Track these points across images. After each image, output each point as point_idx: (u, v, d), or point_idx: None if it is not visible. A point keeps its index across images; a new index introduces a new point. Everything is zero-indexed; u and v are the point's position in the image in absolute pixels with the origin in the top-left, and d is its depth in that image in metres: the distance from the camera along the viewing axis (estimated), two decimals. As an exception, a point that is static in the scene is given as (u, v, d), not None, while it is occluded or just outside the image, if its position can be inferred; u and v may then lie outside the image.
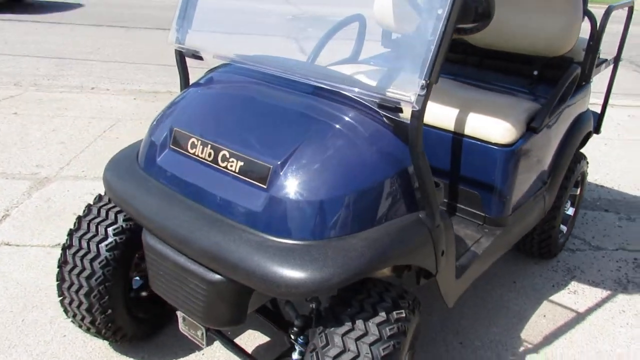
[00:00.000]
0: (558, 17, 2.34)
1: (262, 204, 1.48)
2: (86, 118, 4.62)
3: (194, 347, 2.18)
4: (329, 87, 1.58)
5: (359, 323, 1.45)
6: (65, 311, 1.99)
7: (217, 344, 2.18)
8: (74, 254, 1.89)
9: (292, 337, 1.70)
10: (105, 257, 1.87)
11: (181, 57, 2.02)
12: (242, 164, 1.55)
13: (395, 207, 1.55)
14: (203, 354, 2.16)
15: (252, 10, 2.25)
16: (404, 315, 1.50)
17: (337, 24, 2.79)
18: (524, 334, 2.37)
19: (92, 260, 1.87)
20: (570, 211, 2.95)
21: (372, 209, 1.50)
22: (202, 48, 1.94)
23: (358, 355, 1.40)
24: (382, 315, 1.47)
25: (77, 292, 1.89)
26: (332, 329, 1.46)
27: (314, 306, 1.67)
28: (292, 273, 1.36)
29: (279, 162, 1.49)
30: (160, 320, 2.22)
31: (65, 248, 1.92)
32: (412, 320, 1.55)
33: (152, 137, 1.82)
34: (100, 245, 1.87)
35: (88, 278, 1.86)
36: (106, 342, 2.17)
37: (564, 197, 2.63)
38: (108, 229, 1.90)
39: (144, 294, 2.08)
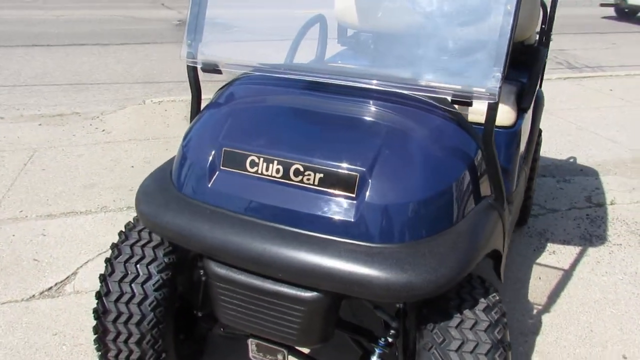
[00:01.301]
0: (523, 6, 2.54)
1: (355, 213, 1.46)
2: (-5, 152, 4.10)
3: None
4: (397, 90, 1.58)
5: (467, 313, 1.49)
6: (107, 366, 1.79)
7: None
8: (116, 301, 1.70)
9: (390, 339, 1.69)
10: (155, 298, 1.70)
11: (194, 73, 1.88)
12: (321, 175, 1.50)
13: (472, 196, 1.60)
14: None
15: (260, 16, 2.17)
16: (497, 298, 1.57)
17: (302, 26, 2.77)
18: (530, 298, 2.56)
19: (139, 304, 1.69)
20: (532, 180, 3.24)
21: (458, 202, 1.54)
22: (221, 60, 1.83)
23: (478, 343, 1.44)
24: (483, 302, 1.52)
25: (125, 341, 1.70)
26: (443, 323, 1.48)
27: (400, 306, 1.68)
28: (414, 276, 1.36)
29: (365, 169, 1.47)
30: (200, 355, 2.08)
31: (101, 296, 1.72)
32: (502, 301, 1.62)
33: (191, 162, 1.69)
34: (145, 286, 1.71)
35: (138, 324, 1.69)
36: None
37: (536, 169, 2.89)
38: (149, 267, 1.73)
39: None
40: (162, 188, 1.73)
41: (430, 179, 1.50)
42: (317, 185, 1.50)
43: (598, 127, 4.94)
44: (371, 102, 1.65)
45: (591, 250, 2.96)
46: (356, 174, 1.47)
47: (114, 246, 1.80)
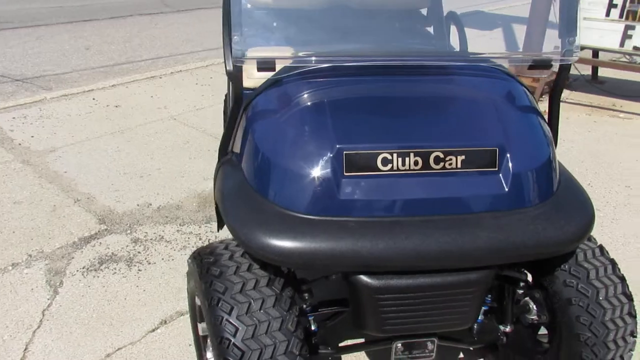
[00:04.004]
0: None
1: (505, 184, 1.51)
2: None
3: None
4: (484, 64, 1.64)
5: (583, 247, 1.71)
6: None
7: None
8: (260, 357, 1.42)
9: (520, 291, 1.76)
10: (297, 338, 1.48)
11: (240, 74, 1.59)
12: (463, 157, 1.50)
13: None
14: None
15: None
16: None
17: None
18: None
19: (285, 351, 1.45)
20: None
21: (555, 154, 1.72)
22: (278, 55, 1.59)
23: (606, 266, 1.67)
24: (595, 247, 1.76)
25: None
26: (571, 260, 1.66)
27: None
28: (574, 226, 1.51)
29: (501, 142, 1.53)
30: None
31: (235, 363, 1.41)
32: None
33: (298, 177, 1.47)
34: (283, 330, 1.46)
35: (289, 373, 1.45)
36: None
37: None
38: (276, 308, 1.48)
39: None
40: (270, 215, 1.47)
41: (546, 137, 1.65)
42: (461, 168, 1.51)
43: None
44: (450, 77, 1.69)
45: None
46: (495, 147, 1.52)
47: (217, 301, 1.47)
